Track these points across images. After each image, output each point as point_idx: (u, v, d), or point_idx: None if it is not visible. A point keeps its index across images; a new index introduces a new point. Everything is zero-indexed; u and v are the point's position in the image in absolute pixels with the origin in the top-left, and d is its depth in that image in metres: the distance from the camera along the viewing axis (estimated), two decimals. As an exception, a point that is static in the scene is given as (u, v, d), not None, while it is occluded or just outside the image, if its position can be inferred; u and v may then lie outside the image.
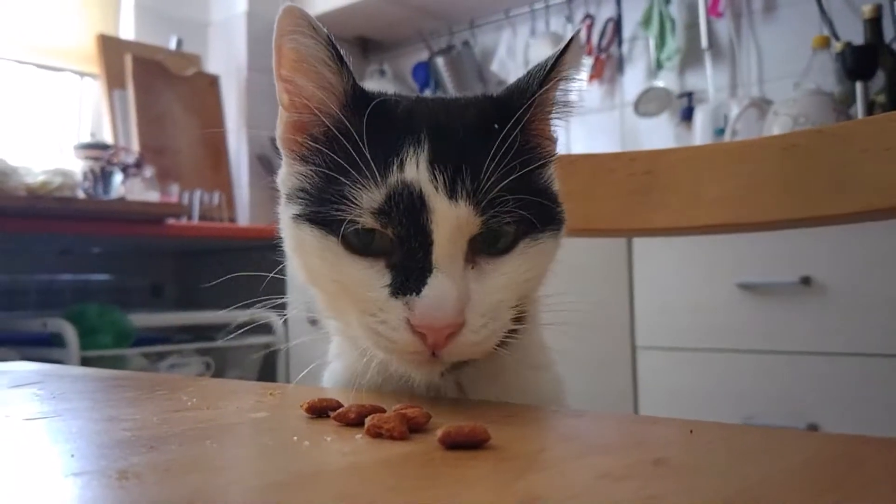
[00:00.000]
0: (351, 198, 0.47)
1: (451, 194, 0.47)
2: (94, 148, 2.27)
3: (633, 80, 2.61)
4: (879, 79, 1.84)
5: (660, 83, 2.51)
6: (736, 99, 2.32)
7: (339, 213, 0.48)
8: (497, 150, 0.48)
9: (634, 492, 0.28)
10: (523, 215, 0.48)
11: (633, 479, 0.30)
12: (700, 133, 2.35)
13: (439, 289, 0.46)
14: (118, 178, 2.24)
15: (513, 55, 2.90)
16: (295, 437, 0.38)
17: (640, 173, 0.81)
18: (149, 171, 2.37)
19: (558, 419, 0.45)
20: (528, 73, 0.54)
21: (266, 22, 2.92)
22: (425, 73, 3.05)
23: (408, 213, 0.47)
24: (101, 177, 2.21)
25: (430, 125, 0.50)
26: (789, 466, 0.33)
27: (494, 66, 2.93)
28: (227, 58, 2.95)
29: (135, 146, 2.59)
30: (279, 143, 0.55)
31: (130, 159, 2.31)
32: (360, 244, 0.48)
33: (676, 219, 0.79)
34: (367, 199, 0.47)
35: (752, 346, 1.65)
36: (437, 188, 0.47)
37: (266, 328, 2.31)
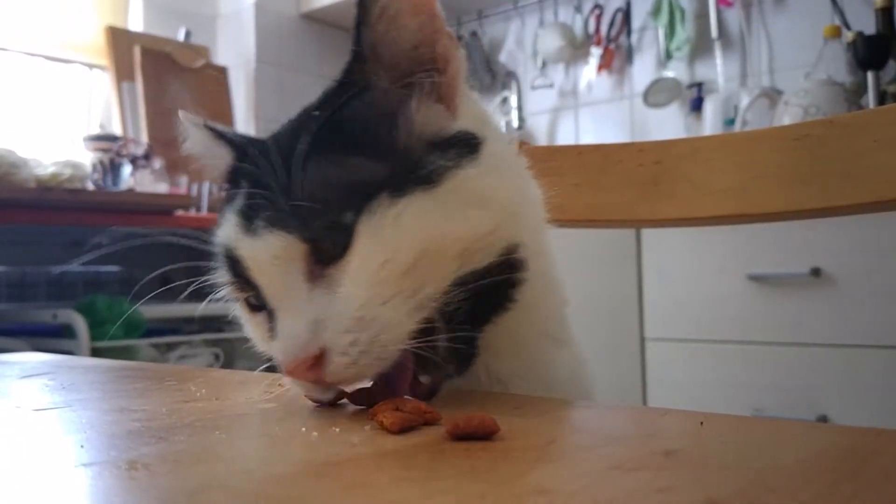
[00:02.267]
0: (216, 281, 0.48)
1: (250, 231, 0.43)
2: (104, 140, 2.28)
3: (643, 71, 2.60)
4: (891, 69, 1.83)
5: (669, 73, 2.50)
6: (746, 89, 2.31)
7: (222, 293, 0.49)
8: (303, 148, 0.43)
9: (645, 483, 0.28)
10: (354, 199, 0.42)
11: (643, 471, 0.30)
12: (710, 124, 2.34)
13: (283, 330, 0.43)
14: (127, 169, 2.24)
15: (521, 46, 2.88)
16: (303, 428, 0.38)
17: (650, 164, 0.80)
18: (158, 163, 2.37)
19: (568, 410, 0.45)
20: None
21: (275, 14, 2.92)
22: (433, 64, 3.04)
23: (234, 272, 0.46)
24: (111, 169, 2.22)
25: (249, 168, 0.46)
26: (802, 458, 0.32)
27: (503, 57, 2.92)
28: (235, 50, 2.95)
29: (144, 138, 2.59)
30: None
31: (139, 151, 2.32)
32: (248, 305, 0.48)
33: (686, 210, 0.79)
34: (220, 277, 0.48)
35: (762, 338, 1.65)
36: (239, 233, 0.44)
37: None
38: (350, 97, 0.46)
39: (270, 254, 0.42)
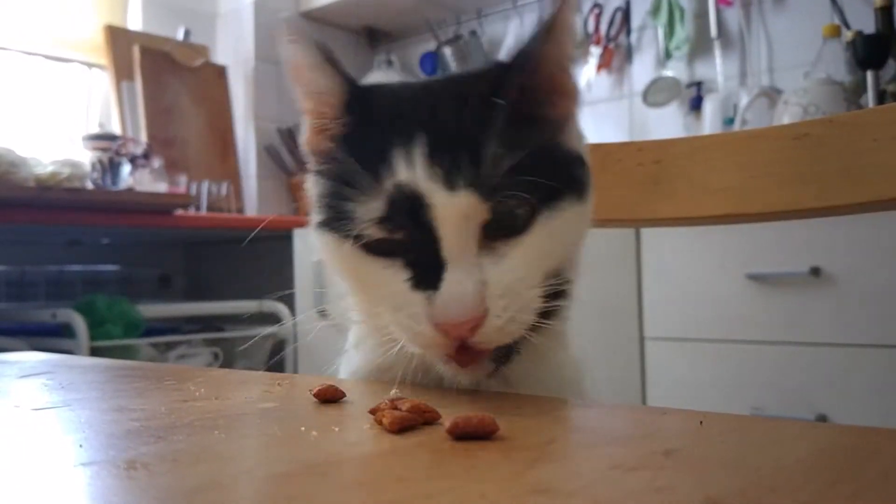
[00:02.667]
0: (352, 213, 0.47)
1: (450, 185, 0.45)
2: (103, 139, 2.28)
3: (642, 70, 2.59)
4: (891, 68, 1.83)
5: (669, 73, 2.50)
6: (746, 88, 2.30)
7: (347, 228, 0.48)
8: (499, 126, 0.46)
9: (645, 483, 0.28)
10: (537, 190, 0.46)
11: (643, 470, 0.30)
12: (709, 123, 2.33)
13: (455, 285, 0.45)
14: (126, 169, 2.24)
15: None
16: (303, 428, 0.38)
17: (649, 163, 0.80)
18: (157, 162, 2.37)
19: (567, 410, 0.45)
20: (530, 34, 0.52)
21: (274, 12, 2.92)
22: (433, 63, 3.04)
23: (409, 214, 0.46)
24: (110, 168, 2.22)
25: (422, 114, 0.48)
26: (802, 457, 0.32)
27: (502, 56, 2.91)
28: (234, 48, 2.95)
29: (143, 137, 2.59)
30: (305, 147, 0.55)
31: (139, 150, 2.32)
32: (375, 248, 0.48)
33: (685, 209, 0.79)
34: (367, 211, 0.46)
35: (761, 337, 1.65)
36: (434, 182, 0.45)
37: (275, 318, 2.32)
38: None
39: (463, 211, 0.45)
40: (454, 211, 0.45)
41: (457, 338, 0.45)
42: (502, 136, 0.46)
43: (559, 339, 0.55)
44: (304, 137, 0.54)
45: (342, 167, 0.48)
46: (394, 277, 0.47)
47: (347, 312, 0.58)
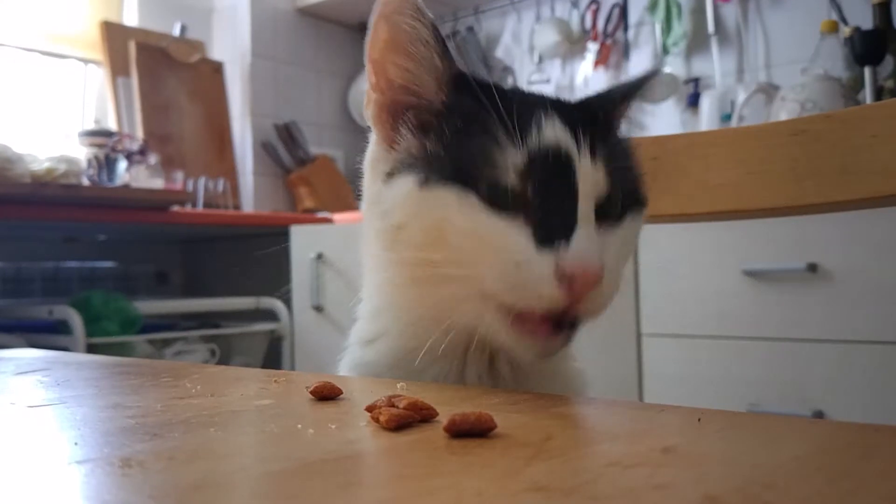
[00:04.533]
0: (492, 159, 0.49)
1: (591, 155, 0.50)
2: (99, 135, 2.27)
3: (639, 66, 2.59)
4: (888, 64, 1.83)
5: (666, 69, 2.50)
6: (743, 84, 2.31)
7: (478, 172, 0.49)
8: (614, 129, 0.55)
9: (643, 480, 0.28)
10: (628, 194, 0.52)
11: (642, 468, 0.29)
12: (707, 119, 2.33)
13: (587, 240, 0.47)
14: (122, 165, 2.23)
15: (518, 41, 2.88)
16: (299, 425, 0.38)
17: (646, 159, 0.79)
18: (153, 159, 2.36)
19: (565, 407, 0.45)
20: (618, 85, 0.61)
21: (270, 8, 2.91)
22: (430, 59, 3.03)
23: (552, 171, 0.49)
24: (106, 164, 2.21)
25: (546, 101, 0.53)
26: (801, 454, 0.32)
27: (499, 53, 2.91)
28: (231, 44, 2.94)
29: (139, 133, 2.59)
30: (372, 123, 0.57)
31: (135, 146, 2.31)
32: (498, 202, 0.49)
33: (682, 205, 0.78)
34: (509, 159, 0.49)
35: (758, 333, 1.65)
36: (579, 149, 0.49)
37: (271, 315, 2.32)
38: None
39: (597, 180, 0.50)
40: (591, 178, 0.49)
41: (578, 292, 0.46)
42: (616, 137, 0.54)
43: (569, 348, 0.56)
44: (375, 111, 0.56)
45: (475, 125, 0.51)
46: (515, 236, 0.48)
47: (360, 304, 0.60)
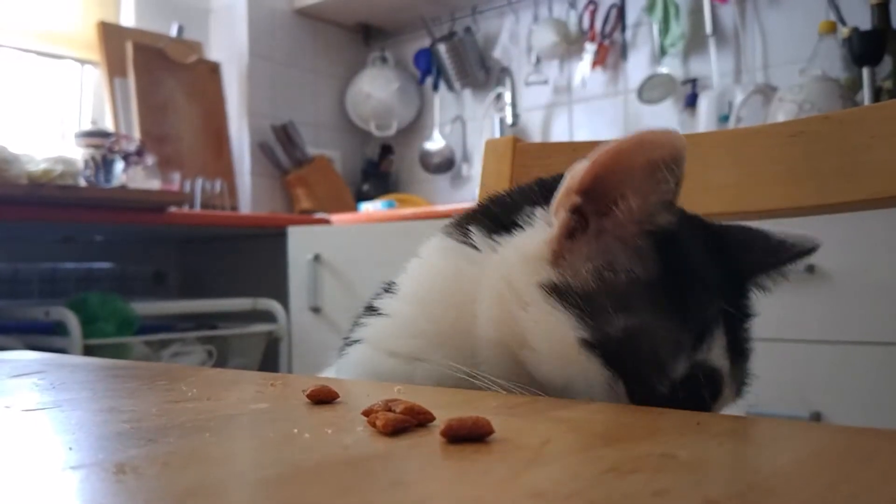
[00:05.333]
0: (657, 355, 0.46)
1: (734, 388, 0.50)
2: (96, 136, 2.26)
3: (637, 67, 2.59)
4: (887, 64, 1.83)
5: (664, 69, 2.50)
6: (741, 85, 2.31)
7: (635, 359, 0.46)
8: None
9: (642, 485, 0.28)
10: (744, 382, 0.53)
11: (640, 473, 0.29)
12: (704, 120, 2.33)
13: None
14: (119, 166, 2.23)
15: (516, 41, 2.88)
16: (295, 430, 0.37)
17: (645, 160, 0.80)
18: (150, 159, 2.36)
19: (562, 411, 0.45)
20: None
21: (267, 9, 2.91)
22: (427, 60, 3.04)
23: (697, 391, 0.47)
24: (103, 165, 2.21)
25: (718, 284, 0.51)
26: (800, 458, 0.32)
27: (497, 53, 2.91)
28: (228, 45, 2.94)
29: (136, 134, 2.58)
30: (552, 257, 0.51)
31: (132, 147, 2.30)
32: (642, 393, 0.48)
33: (680, 206, 0.78)
34: (670, 363, 0.46)
35: (757, 334, 1.65)
36: (729, 379, 0.49)
37: (269, 316, 2.31)
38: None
39: (729, 395, 0.51)
40: (728, 396, 0.50)
41: None
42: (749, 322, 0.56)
43: None
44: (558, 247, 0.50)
45: (653, 303, 0.48)
46: None
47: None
